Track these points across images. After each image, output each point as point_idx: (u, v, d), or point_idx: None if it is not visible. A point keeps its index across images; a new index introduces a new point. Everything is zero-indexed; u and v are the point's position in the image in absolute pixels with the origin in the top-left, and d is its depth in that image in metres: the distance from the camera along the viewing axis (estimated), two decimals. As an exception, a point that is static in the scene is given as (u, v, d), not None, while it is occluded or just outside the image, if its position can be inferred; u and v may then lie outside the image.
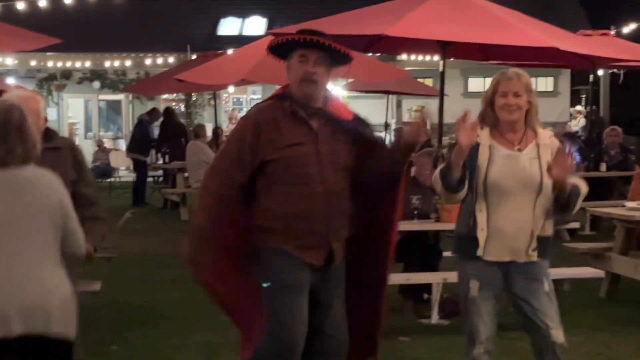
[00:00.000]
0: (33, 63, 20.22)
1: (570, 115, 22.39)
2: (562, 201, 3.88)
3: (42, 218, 3.20)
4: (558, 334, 3.94)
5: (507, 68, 4.12)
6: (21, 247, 3.14)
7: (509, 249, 3.93)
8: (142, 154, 15.28)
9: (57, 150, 4.39)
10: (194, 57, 15.44)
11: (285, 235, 3.64)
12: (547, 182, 3.89)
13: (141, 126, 15.46)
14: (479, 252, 3.93)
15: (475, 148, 3.90)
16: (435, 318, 6.57)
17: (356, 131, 3.85)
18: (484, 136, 3.96)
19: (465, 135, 3.73)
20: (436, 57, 16.99)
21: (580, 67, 12.04)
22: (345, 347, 3.89)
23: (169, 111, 15.43)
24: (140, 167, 15.42)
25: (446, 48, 6.56)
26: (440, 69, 6.73)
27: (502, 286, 4.01)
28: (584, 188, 3.94)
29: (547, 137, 4.02)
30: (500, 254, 3.93)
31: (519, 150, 3.94)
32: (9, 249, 3.12)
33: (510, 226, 3.90)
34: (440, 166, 3.89)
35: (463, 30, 6.19)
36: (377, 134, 15.06)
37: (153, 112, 15.77)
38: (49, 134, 4.42)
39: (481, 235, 3.94)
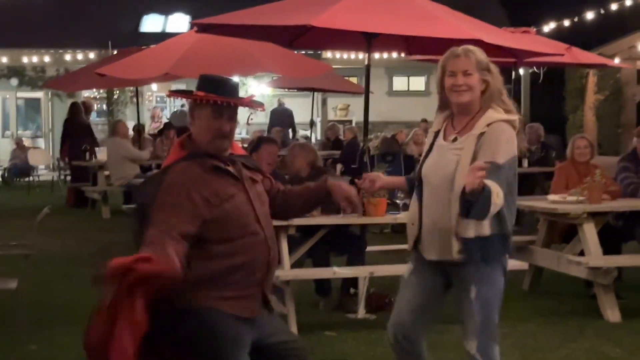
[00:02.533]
0: (-55, 59, 19.62)
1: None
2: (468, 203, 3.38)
3: None
4: (469, 345, 3.68)
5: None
6: None
7: (437, 247, 3.68)
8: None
9: None
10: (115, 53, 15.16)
11: (221, 289, 3.35)
12: (460, 178, 3.51)
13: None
14: (408, 247, 3.81)
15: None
16: (361, 312, 6.54)
17: (259, 169, 3.70)
18: (437, 121, 3.77)
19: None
20: (361, 55, 17.01)
21: (503, 63, 12.16)
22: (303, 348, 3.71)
23: (74, 108, 15.09)
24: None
25: (371, 41, 6.53)
26: (366, 62, 6.70)
27: (439, 282, 3.79)
28: (495, 191, 3.37)
29: (482, 126, 3.59)
30: (429, 251, 3.73)
31: (455, 139, 3.66)
32: None
33: (434, 223, 3.67)
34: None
35: (389, 22, 6.16)
36: (303, 132, 14.84)
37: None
38: None
39: (410, 230, 3.79)
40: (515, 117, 3.66)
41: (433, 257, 3.72)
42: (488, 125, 3.57)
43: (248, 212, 3.45)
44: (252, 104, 3.58)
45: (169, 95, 3.69)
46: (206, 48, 8.89)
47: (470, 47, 3.66)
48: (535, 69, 20.99)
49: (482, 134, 3.56)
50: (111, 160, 12.16)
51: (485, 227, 3.57)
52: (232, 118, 3.47)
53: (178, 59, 8.68)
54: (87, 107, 15.60)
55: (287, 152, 7.30)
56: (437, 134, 3.77)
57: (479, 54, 3.64)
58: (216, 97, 3.38)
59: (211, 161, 3.42)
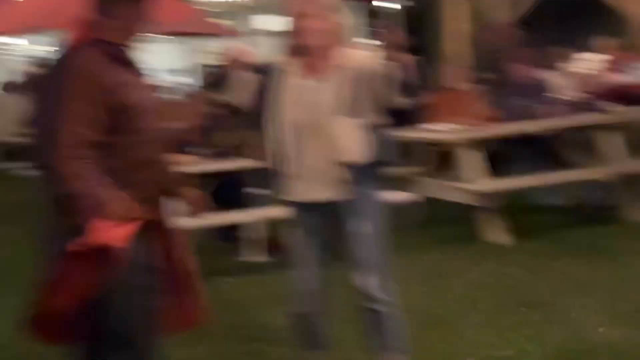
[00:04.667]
0: None
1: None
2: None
3: None
4: (368, 282, 3.62)
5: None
6: None
7: (321, 187, 3.62)
8: None
9: None
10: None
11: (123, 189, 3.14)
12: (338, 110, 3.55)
13: None
14: (292, 196, 3.69)
15: (275, 73, 3.64)
16: (255, 256, 6.49)
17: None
18: (286, 62, 3.65)
19: None
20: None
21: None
22: None
23: None
24: None
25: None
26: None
27: (324, 223, 3.71)
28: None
29: (346, 63, 3.58)
30: (313, 192, 3.64)
31: (319, 81, 3.58)
32: None
33: (315, 164, 3.60)
34: None
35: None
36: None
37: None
38: None
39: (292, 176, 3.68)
40: (369, 52, 3.68)
41: (320, 198, 3.64)
42: (351, 61, 3.56)
43: (145, 110, 3.23)
44: None
45: None
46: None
47: None
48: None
49: (348, 71, 3.55)
50: (6, 116, 11.46)
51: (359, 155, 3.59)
52: None
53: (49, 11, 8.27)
54: None
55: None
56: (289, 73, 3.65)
57: None
58: None
59: (116, 52, 3.19)
